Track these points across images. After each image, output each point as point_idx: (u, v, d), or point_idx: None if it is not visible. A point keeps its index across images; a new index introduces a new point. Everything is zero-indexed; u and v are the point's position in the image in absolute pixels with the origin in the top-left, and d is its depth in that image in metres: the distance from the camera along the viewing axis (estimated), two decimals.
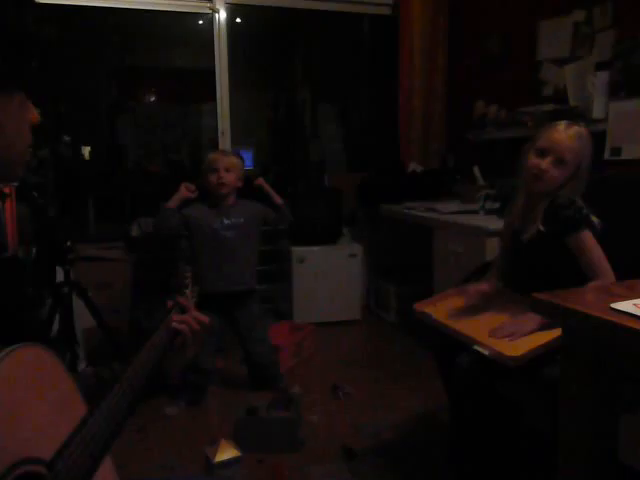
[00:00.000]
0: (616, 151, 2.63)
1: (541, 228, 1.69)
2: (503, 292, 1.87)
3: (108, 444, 0.80)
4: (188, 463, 2.09)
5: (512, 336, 1.59)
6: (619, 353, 1.07)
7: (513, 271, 1.88)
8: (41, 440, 0.70)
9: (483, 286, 1.86)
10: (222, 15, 3.71)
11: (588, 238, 1.63)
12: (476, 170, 3.43)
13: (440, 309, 1.85)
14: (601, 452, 1.17)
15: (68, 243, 2.09)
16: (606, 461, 1.18)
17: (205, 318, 1.07)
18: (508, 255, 1.92)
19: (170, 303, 1.07)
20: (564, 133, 1.70)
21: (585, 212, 1.65)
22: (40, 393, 0.73)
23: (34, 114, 0.86)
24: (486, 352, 1.55)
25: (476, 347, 1.59)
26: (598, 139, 2.52)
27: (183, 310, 1.06)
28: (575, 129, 1.71)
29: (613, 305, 1.05)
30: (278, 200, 2.73)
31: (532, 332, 1.58)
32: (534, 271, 1.76)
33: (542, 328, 1.57)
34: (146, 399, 1.04)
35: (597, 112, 2.71)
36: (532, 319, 1.60)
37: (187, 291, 1.14)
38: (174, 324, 1.02)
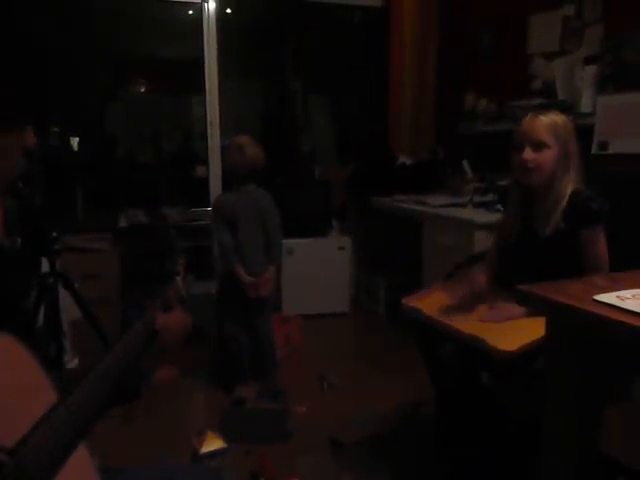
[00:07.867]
0: (603, 145, 2.64)
1: (562, 225, 1.67)
2: (493, 288, 1.85)
3: (81, 433, 0.79)
4: (175, 454, 2.08)
5: (498, 319, 1.61)
6: (603, 344, 1.08)
7: (513, 272, 1.80)
8: (3, 427, 0.68)
9: (481, 277, 1.83)
10: (211, 5, 3.68)
11: (602, 235, 1.66)
12: (465, 163, 3.43)
13: (429, 303, 1.85)
14: (584, 442, 1.18)
15: (54, 234, 2.06)
16: (588, 450, 1.19)
17: (187, 320, 1.05)
18: (506, 256, 1.88)
19: (153, 303, 1.04)
20: (532, 120, 1.71)
21: (607, 207, 1.65)
22: (2, 379, 0.71)
23: (31, 138, 0.86)
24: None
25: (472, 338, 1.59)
26: (586, 133, 2.53)
27: (167, 308, 1.03)
28: (545, 114, 1.71)
29: (596, 297, 1.06)
30: None
31: (519, 317, 1.60)
32: (540, 272, 1.70)
33: (529, 315, 1.58)
34: (123, 396, 1.00)
35: (585, 106, 2.72)
36: (519, 308, 1.61)
37: (178, 278, 1.13)
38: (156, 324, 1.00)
